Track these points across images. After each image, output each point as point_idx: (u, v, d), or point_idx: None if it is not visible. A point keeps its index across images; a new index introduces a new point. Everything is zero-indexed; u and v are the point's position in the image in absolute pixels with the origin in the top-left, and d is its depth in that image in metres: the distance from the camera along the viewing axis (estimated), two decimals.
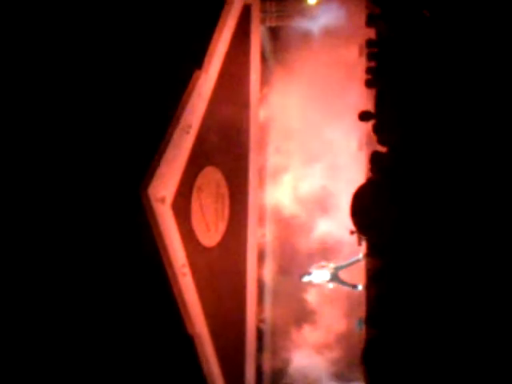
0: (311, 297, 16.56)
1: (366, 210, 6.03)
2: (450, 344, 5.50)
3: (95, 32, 13.48)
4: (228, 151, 15.98)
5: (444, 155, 6.01)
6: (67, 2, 13.56)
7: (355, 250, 15.61)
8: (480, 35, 6.31)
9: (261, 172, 17.21)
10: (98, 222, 13.17)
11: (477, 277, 5.36)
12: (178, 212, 14.19)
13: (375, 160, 8.62)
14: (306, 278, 16.54)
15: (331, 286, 16.47)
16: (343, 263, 16.43)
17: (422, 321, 5.72)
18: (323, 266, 16.57)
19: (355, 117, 14.31)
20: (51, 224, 13.24)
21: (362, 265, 15.46)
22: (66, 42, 13.49)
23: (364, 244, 13.93)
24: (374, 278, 7.79)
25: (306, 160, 16.60)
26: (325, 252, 16.47)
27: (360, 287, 15.97)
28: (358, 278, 16.08)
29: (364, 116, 10.24)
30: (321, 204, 16.39)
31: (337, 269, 16.49)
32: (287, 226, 16.87)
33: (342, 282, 16.47)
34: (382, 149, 8.86)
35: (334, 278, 16.45)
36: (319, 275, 16.54)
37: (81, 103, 13.31)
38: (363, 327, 14.31)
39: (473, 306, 5.38)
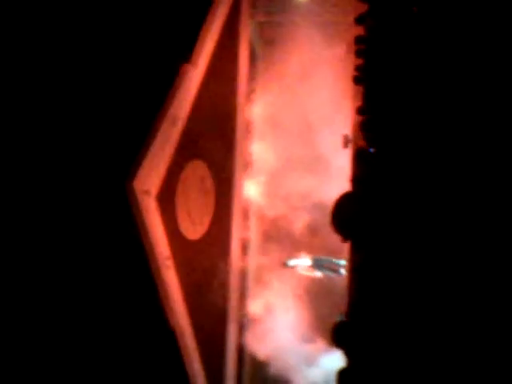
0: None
1: (350, 216, 6.00)
2: (434, 338, 5.57)
3: (82, 25, 13.39)
4: (214, 145, 16.00)
5: (433, 155, 6.05)
6: None
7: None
8: (470, 32, 6.34)
9: (246, 166, 17.27)
10: (82, 213, 13.12)
11: (461, 273, 5.43)
12: (162, 205, 14.18)
13: (361, 157, 8.61)
14: (291, 263, 16.63)
15: (318, 274, 16.60)
16: (325, 258, 16.56)
17: (405, 315, 5.78)
18: (305, 257, 16.71)
19: (342, 113, 14.37)
20: (34, 214, 13.18)
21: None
22: (51, 33, 13.39)
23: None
24: (357, 271, 7.78)
25: (292, 155, 16.70)
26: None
27: (343, 272, 16.11)
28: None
29: (362, 111, 10.06)
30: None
31: (317, 261, 16.63)
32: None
33: (326, 269, 16.60)
34: (369, 147, 8.88)
35: (317, 266, 16.59)
36: (302, 262, 16.67)
37: (67, 96, 13.23)
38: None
39: (457, 301, 5.45)
